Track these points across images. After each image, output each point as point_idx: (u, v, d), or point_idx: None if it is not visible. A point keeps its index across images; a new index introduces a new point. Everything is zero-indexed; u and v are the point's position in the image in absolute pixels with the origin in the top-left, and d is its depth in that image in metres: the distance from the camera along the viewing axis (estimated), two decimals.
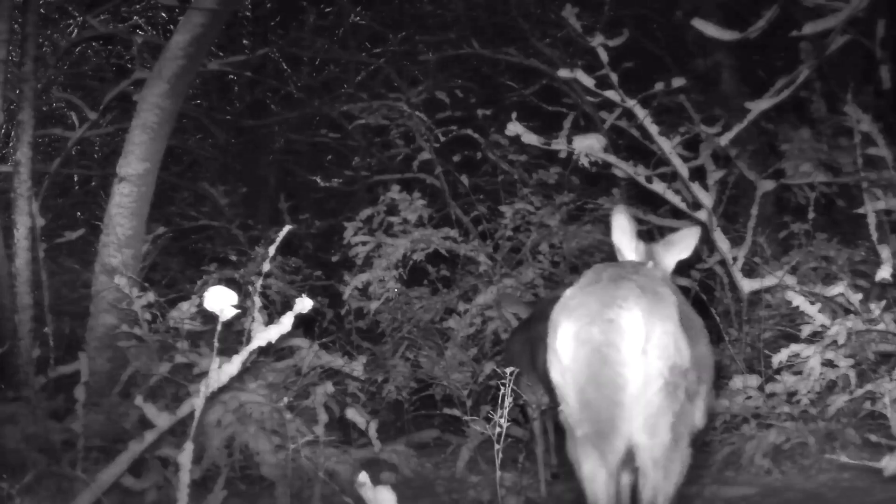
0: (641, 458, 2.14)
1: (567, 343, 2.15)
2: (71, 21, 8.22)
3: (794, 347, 4.32)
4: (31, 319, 4.92)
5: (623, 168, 5.49)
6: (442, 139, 7.51)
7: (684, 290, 5.79)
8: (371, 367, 5.92)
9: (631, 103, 5.08)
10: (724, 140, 5.27)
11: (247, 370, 3.95)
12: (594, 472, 2.16)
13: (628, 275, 2.26)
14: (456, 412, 4.98)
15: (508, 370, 3.44)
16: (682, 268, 6.60)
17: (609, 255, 3.57)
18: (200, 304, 3.55)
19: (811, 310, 4.43)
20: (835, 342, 4.23)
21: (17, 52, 5.81)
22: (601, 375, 2.08)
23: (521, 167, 7.21)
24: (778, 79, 5.07)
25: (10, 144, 7.46)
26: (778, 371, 4.41)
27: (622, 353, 2.09)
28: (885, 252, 4.52)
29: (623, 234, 2.71)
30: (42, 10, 6.80)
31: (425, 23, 9.94)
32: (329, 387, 4.40)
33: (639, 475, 2.19)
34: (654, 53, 8.77)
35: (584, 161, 5.49)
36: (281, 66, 10.86)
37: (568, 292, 2.31)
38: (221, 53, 9.99)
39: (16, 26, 6.33)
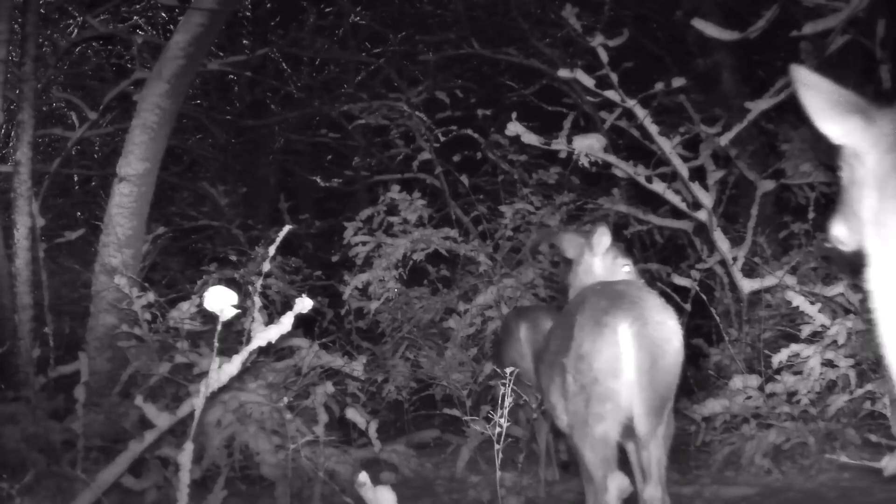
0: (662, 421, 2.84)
1: (628, 339, 2.73)
2: (71, 21, 8.21)
3: (794, 347, 4.32)
4: (31, 319, 4.92)
5: (623, 168, 5.49)
6: (442, 139, 7.51)
7: (684, 290, 5.81)
8: (371, 367, 5.91)
9: (631, 103, 5.07)
10: (724, 140, 5.27)
11: (247, 370, 3.95)
12: (607, 434, 2.77)
13: (642, 290, 2.94)
14: (456, 412, 4.98)
15: (508, 370, 3.44)
16: (682, 268, 6.60)
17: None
18: (200, 304, 3.55)
19: (811, 310, 4.43)
20: (835, 342, 4.23)
21: (17, 52, 5.81)
22: (660, 363, 2.73)
23: (521, 167, 7.22)
24: (778, 79, 5.07)
25: (10, 144, 7.47)
26: (778, 371, 4.41)
27: (674, 346, 2.77)
28: None
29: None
30: (42, 10, 6.79)
31: (425, 23, 9.95)
32: (329, 387, 4.40)
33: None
34: (654, 53, 8.77)
35: (584, 161, 5.48)
36: (281, 66, 10.87)
37: (602, 303, 2.84)
38: (221, 53, 9.98)
39: (16, 26, 6.33)
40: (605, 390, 2.76)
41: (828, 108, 1.85)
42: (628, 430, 2.82)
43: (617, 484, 2.76)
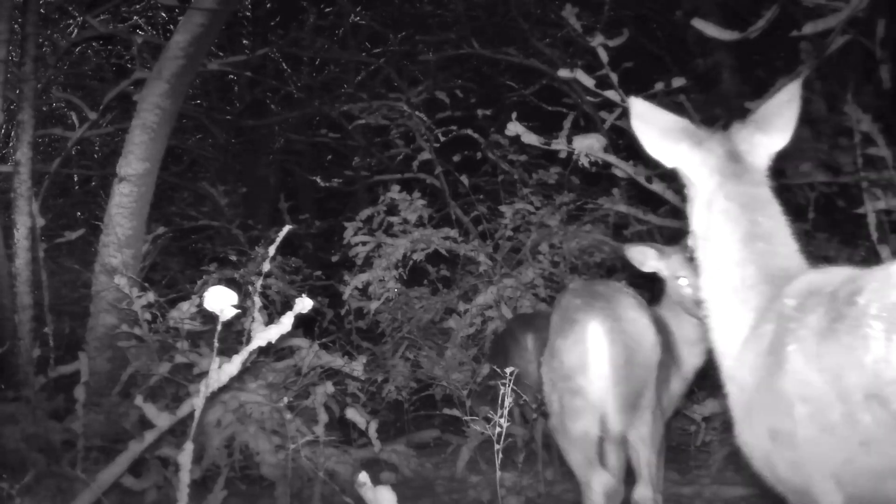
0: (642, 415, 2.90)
1: (599, 336, 2.77)
2: (71, 21, 8.21)
3: None
4: (31, 319, 4.92)
5: (623, 168, 5.49)
6: (442, 139, 7.51)
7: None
8: (371, 367, 5.91)
9: None
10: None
11: (247, 370, 3.95)
12: (587, 432, 2.81)
13: (619, 289, 2.97)
14: (456, 412, 4.98)
15: (508, 370, 3.44)
16: None
17: (608, 254, 3.58)
18: (200, 304, 3.55)
19: None
20: None
21: (17, 52, 5.81)
22: (635, 359, 2.78)
23: (521, 167, 7.21)
24: (778, 79, 5.07)
25: (10, 144, 7.47)
26: None
27: (648, 342, 2.83)
28: (885, 252, 4.52)
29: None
30: (42, 10, 6.79)
31: (425, 23, 9.95)
32: (329, 387, 4.40)
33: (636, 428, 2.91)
34: (654, 53, 8.77)
35: (584, 161, 5.48)
36: (281, 66, 10.87)
37: (576, 301, 2.89)
38: (221, 53, 9.99)
39: (16, 26, 6.33)
40: (575, 386, 2.81)
41: (659, 137, 2.03)
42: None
43: (602, 482, 2.78)
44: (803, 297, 1.70)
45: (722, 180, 1.96)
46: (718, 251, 1.92)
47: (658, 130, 2.02)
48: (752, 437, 1.78)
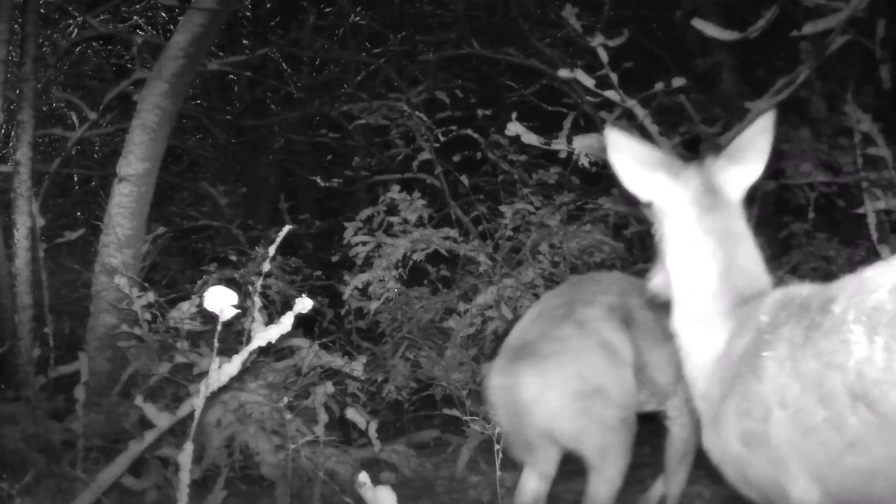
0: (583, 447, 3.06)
1: (494, 394, 3.00)
2: (71, 21, 8.21)
3: None
4: (31, 319, 4.92)
5: None
6: (442, 139, 7.50)
7: None
8: (371, 367, 5.91)
9: (631, 103, 5.07)
10: (725, 140, 5.26)
11: (247, 370, 3.95)
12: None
13: (556, 328, 2.98)
14: (456, 412, 4.97)
15: None
16: None
17: (608, 254, 3.58)
18: (200, 304, 3.55)
19: None
20: None
21: (17, 52, 5.81)
22: (522, 420, 2.93)
23: (521, 167, 7.20)
24: (778, 79, 5.07)
25: (10, 144, 7.47)
26: None
27: (525, 401, 2.88)
28: (885, 252, 4.52)
29: None
30: (42, 10, 6.79)
31: (425, 23, 9.95)
32: (329, 387, 4.40)
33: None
34: (654, 53, 8.77)
35: (584, 161, 5.48)
36: (281, 66, 10.87)
37: (504, 347, 3.10)
38: (221, 53, 9.99)
39: (16, 26, 6.33)
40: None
41: (635, 167, 2.04)
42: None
43: (526, 488, 3.17)
44: (774, 312, 1.74)
45: (700, 213, 1.96)
46: (693, 284, 1.93)
47: (634, 161, 2.03)
48: (721, 443, 1.79)
